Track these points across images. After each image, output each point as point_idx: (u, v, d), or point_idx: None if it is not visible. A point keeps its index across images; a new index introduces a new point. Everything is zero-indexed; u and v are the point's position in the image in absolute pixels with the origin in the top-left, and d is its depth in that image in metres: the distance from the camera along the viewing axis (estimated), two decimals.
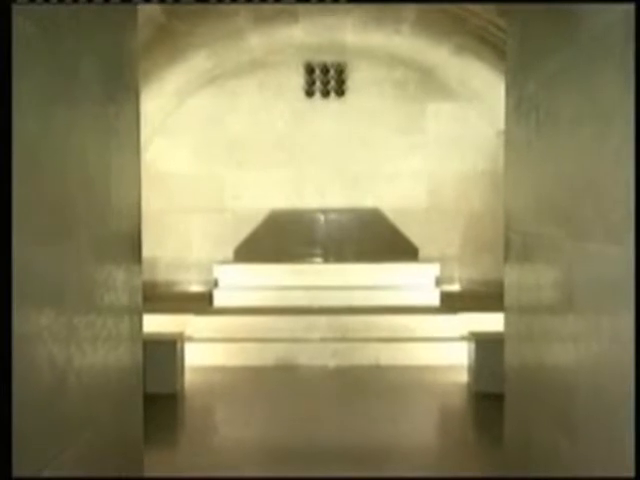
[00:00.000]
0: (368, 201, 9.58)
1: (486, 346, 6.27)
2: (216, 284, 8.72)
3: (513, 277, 3.04)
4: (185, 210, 9.51)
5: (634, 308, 1.74)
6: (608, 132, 1.93)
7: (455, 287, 9.49)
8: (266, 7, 7.21)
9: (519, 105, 2.93)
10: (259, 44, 8.79)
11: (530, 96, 2.75)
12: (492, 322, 6.85)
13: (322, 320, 7.76)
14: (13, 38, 1.72)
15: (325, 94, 9.52)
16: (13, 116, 1.70)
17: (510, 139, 3.11)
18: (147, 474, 3.06)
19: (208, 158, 9.51)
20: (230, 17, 7.48)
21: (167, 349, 6.36)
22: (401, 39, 8.53)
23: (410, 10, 7.40)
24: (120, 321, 2.60)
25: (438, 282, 8.77)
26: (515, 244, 2.99)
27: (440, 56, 8.68)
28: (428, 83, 9.44)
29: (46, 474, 1.90)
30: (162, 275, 9.43)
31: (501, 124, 3.78)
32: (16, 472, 1.68)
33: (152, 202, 8.98)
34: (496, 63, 7.62)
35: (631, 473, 1.74)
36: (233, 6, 7.01)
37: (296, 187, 9.59)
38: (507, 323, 3.18)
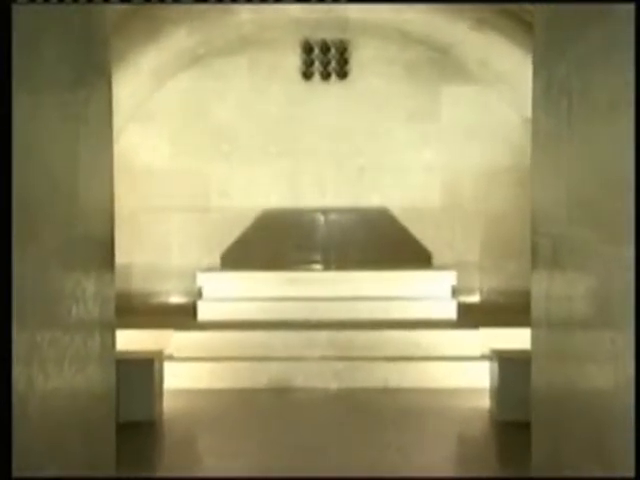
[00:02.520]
0: (374, 199, 9.57)
1: (511, 366, 6.26)
2: (200, 295, 8.72)
3: (541, 287, 3.04)
4: (164, 209, 9.51)
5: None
6: None
7: (474, 298, 9.48)
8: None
9: (548, 89, 2.93)
10: (249, 19, 8.79)
11: (561, 78, 2.75)
12: (517, 338, 6.82)
13: (322, 336, 7.75)
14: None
15: (325, 76, 9.53)
16: None
17: (538, 128, 3.11)
18: None
19: (191, 149, 9.51)
20: None
21: (144, 370, 6.35)
22: (413, 13, 8.53)
23: None
24: (90, 338, 2.60)
25: (455, 292, 8.77)
26: (543, 249, 2.99)
27: (458, 32, 8.69)
28: (444, 64, 9.45)
29: None
30: (138, 284, 9.42)
31: (528, 111, 3.79)
32: None
33: (126, 200, 8.97)
34: (523, 40, 7.63)
35: None
36: None
37: (292, 183, 9.58)
38: (534, 340, 3.17)
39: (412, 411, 6.65)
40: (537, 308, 3.11)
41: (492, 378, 6.61)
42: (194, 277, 8.92)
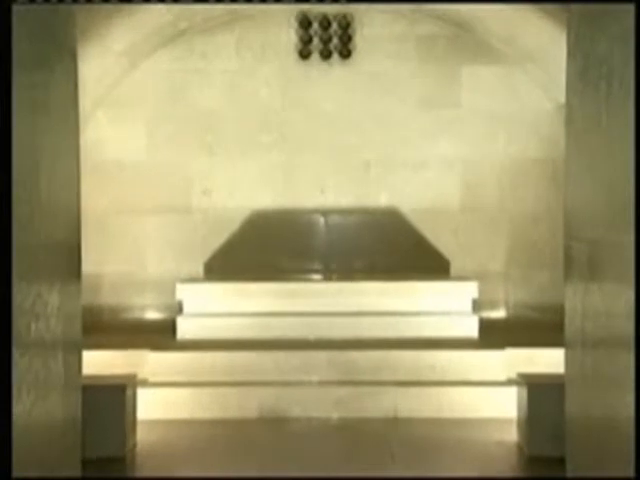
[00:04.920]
0: (383, 199, 9.57)
1: (541, 393, 6.25)
2: (180, 309, 8.71)
3: (576, 300, 3.04)
4: (138, 211, 9.50)
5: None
6: None
7: (499, 313, 9.48)
8: None
9: (585, 71, 2.93)
10: None
11: (600, 58, 2.76)
12: (549, 361, 6.81)
13: (322, 357, 7.74)
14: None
15: (325, 55, 9.53)
16: None
17: (573, 116, 3.12)
18: None
19: (169, 141, 9.51)
20: None
21: (114, 397, 6.34)
22: None
23: None
24: (52, 360, 2.60)
25: (476, 306, 8.76)
26: (579, 257, 2.99)
27: (480, 4, 8.69)
28: (463, 40, 9.45)
29: None
30: (108, 298, 9.42)
31: (562, 96, 3.79)
32: None
33: (94, 200, 8.97)
34: (557, 12, 7.64)
35: None
36: None
37: (287, 180, 9.58)
38: (569, 362, 3.17)
39: (426, 445, 6.63)
40: (571, 325, 3.11)
41: (520, 407, 6.60)
42: (173, 289, 8.90)
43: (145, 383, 7.39)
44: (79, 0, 2.70)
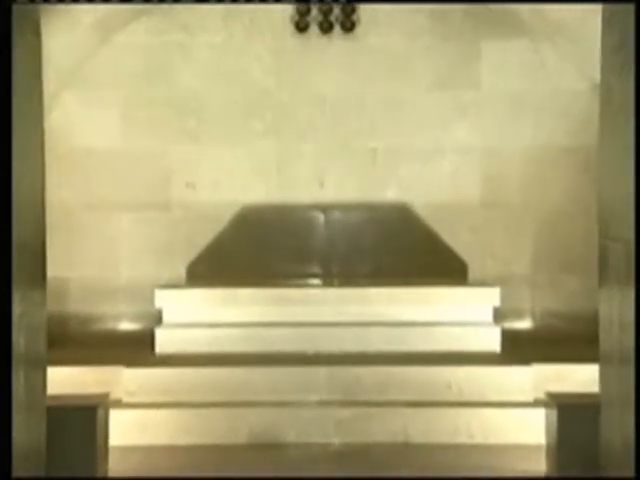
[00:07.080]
0: (391, 193, 9.58)
1: (573, 415, 6.26)
2: (159, 319, 8.71)
3: (612, 309, 3.04)
4: (111, 206, 9.50)
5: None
6: None
7: (525, 324, 9.48)
8: None
9: (622, 46, 2.93)
10: None
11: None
12: (582, 378, 6.82)
13: (321, 373, 7.75)
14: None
15: (326, 29, 9.53)
16: None
17: (608, 98, 3.12)
18: None
19: (146, 126, 9.51)
20: None
21: (83, 420, 6.35)
22: None
23: None
24: (12, 378, 2.60)
25: (498, 316, 8.77)
26: (615, 258, 2.99)
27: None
28: (484, 11, 9.45)
29: None
30: (76, 306, 9.41)
31: (597, 74, 3.80)
32: None
33: (61, 194, 8.97)
34: None
35: None
36: None
37: (281, 171, 9.58)
38: (604, 379, 3.18)
39: (441, 474, 6.63)
40: (607, 337, 3.11)
41: (549, 431, 6.61)
42: (151, 296, 8.90)
43: (119, 404, 7.40)
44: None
